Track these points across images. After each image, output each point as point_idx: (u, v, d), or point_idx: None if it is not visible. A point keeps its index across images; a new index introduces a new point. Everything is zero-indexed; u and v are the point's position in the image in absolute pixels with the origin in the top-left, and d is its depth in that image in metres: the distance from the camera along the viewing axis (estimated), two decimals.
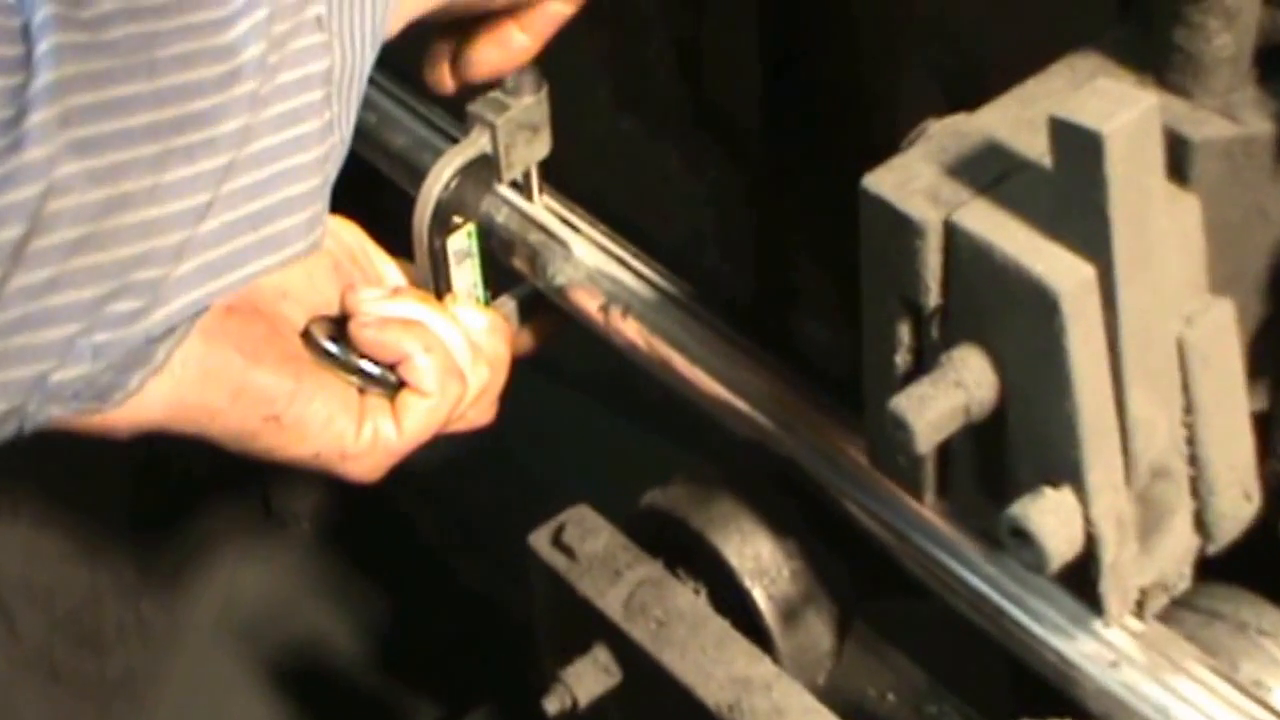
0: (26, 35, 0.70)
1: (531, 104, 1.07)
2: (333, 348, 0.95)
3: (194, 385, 0.83)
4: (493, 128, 1.07)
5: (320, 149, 0.77)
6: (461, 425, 1.01)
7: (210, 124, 0.73)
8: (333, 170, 0.78)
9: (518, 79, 1.06)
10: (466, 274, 1.09)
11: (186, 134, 0.73)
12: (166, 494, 1.61)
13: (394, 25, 0.83)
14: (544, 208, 1.12)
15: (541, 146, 1.09)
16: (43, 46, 0.70)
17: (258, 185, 0.76)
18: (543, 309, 1.12)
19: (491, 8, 0.94)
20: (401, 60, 1.01)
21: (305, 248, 0.79)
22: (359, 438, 0.95)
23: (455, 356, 0.99)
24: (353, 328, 0.96)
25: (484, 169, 1.09)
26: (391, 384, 0.97)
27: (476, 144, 1.08)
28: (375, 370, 0.96)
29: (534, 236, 1.11)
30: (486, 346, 1.02)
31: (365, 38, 0.78)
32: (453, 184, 1.07)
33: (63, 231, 0.71)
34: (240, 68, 0.73)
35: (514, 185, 1.12)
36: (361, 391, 0.96)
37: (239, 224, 0.76)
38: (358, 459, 0.95)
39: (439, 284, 1.08)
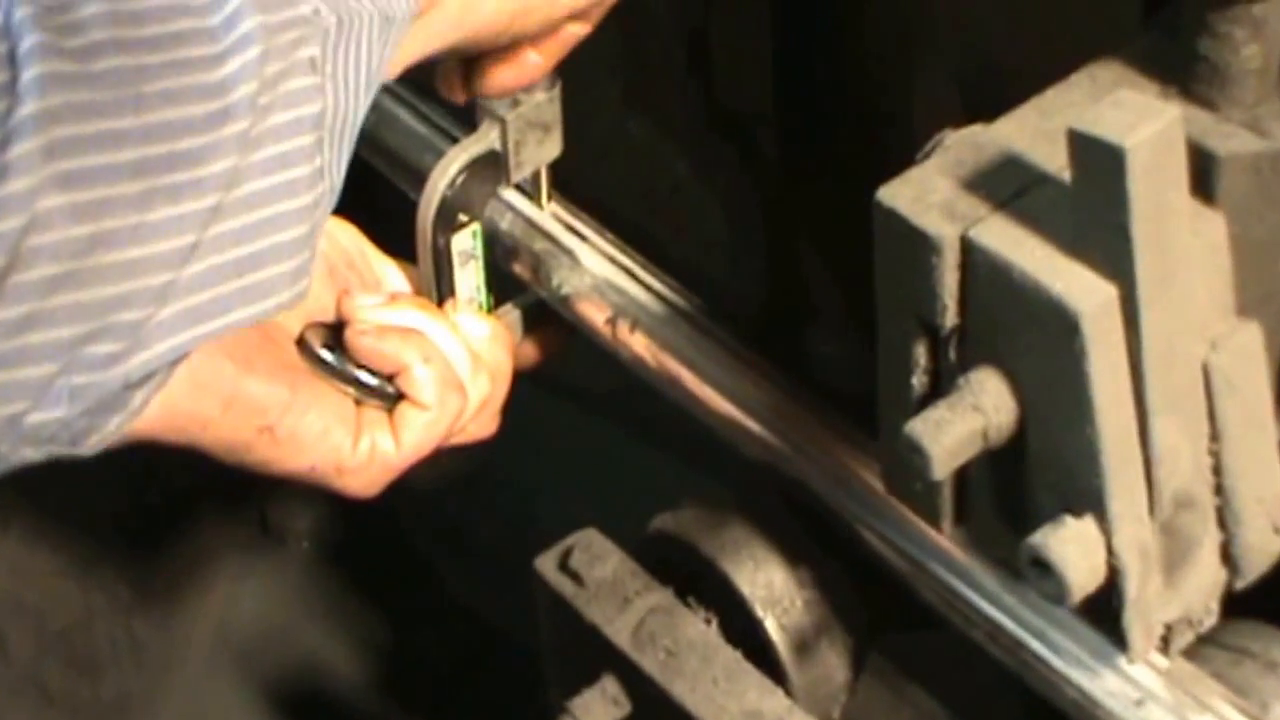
0: (12, 61, 0.71)
1: (544, 101, 1.07)
2: (329, 356, 0.96)
3: (184, 394, 0.84)
4: (503, 123, 1.07)
5: (310, 195, 0.77)
6: (463, 438, 1.02)
7: (198, 164, 0.74)
8: (322, 218, 0.78)
9: None
10: (470, 276, 1.10)
11: (174, 172, 0.74)
12: (161, 510, 1.62)
13: (392, 70, 0.83)
14: (550, 215, 1.12)
15: (553, 147, 1.10)
16: (28, 74, 0.71)
17: (245, 230, 0.76)
18: (547, 320, 1.13)
19: (498, 45, 0.95)
20: None
21: (290, 298, 0.79)
22: (356, 451, 0.96)
23: (455, 368, 0.99)
24: (349, 335, 0.97)
25: (492, 167, 1.09)
26: (389, 396, 0.97)
27: (485, 139, 1.08)
28: (372, 381, 0.97)
29: (539, 244, 1.11)
30: (488, 356, 1.03)
31: (360, 82, 0.78)
32: (459, 180, 1.08)
33: (42, 267, 0.72)
34: (230, 107, 0.74)
35: (520, 189, 1.12)
36: (358, 403, 0.97)
37: (224, 269, 0.76)
38: (355, 473, 0.96)
39: (441, 285, 1.08)
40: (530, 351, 1.13)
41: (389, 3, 0.78)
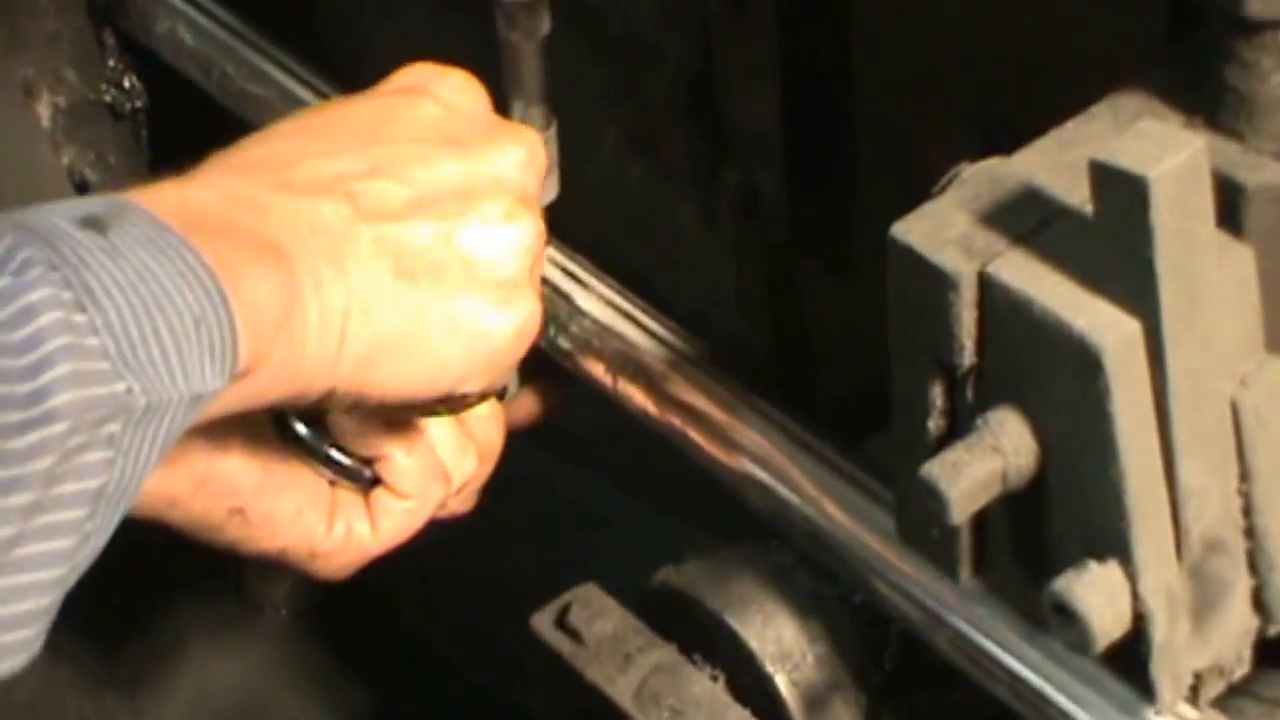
0: None
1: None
2: (305, 433, 0.96)
3: (155, 471, 0.83)
4: None
5: (64, 568, 0.75)
6: (441, 513, 1.03)
7: None
8: (73, 578, 0.77)
9: (525, 113, 1.07)
10: None
11: None
12: (132, 577, 1.62)
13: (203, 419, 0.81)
14: (547, 259, 1.14)
15: (550, 189, 1.11)
16: None
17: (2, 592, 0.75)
18: (545, 370, 1.14)
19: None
20: None
21: (12, 666, 0.76)
22: (330, 535, 0.97)
23: (441, 452, 0.99)
24: (331, 415, 0.96)
25: None
26: (366, 480, 0.97)
27: None
28: (348, 463, 0.97)
29: None
30: (480, 436, 1.02)
31: (153, 454, 0.77)
32: None
33: None
34: (21, 478, 0.73)
35: None
36: (332, 483, 0.98)
37: None
38: (327, 557, 0.97)
39: None
40: (529, 405, 1.14)
41: (203, 381, 0.78)
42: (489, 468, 1.03)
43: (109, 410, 0.74)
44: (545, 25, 1.05)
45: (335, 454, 0.97)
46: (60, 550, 0.74)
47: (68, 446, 0.73)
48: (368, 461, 0.97)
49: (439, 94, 0.94)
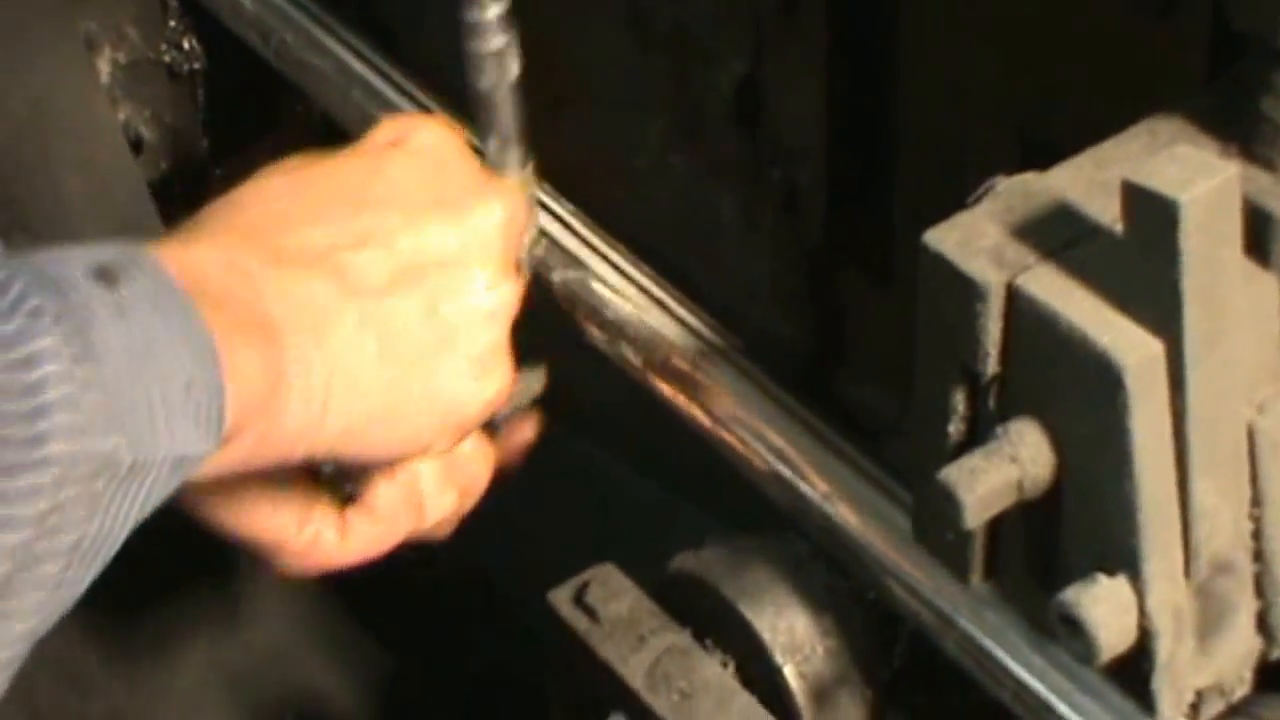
0: None
1: (514, 184, 1.02)
2: None
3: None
4: None
5: (38, 618, 0.77)
6: (412, 539, 1.04)
7: None
8: (43, 630, 0.78)
9: (500, 153, 1.02)
10: None
11: None
12: (158, 530, 1.63)
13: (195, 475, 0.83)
14: (582, 242, 1.14)
15: (529, 227, 1.05)
16: None
17: None
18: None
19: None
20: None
21: None
22: (299, 535, 0.98)
23: (423, 485, 1.00)
24: None
25: None
26: (344, 494, 0.99)
27: None
28: (331, 475, 0.98)
29: (572, 274, 1.13)
30: (464, 473, 1.03)
31: (131, 514, 0.78)
32: None
33: None
34: (13, 517, 0.74)
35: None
36: (312, 491, 0.98)
37: None
38: (293, 556, 0.99)
39: None
40: (517, 438, 1.11)
41: (186, 444, 0.79)
42: (470, 503, 1.04)
43: (96, 466, 0.75)
44: (515, 69, 1.00)
45: (322, 463, 0.98)
46: (33, 603, 0.76)
47: (59, 498, 0.74)
48: (350, 478, 0.99)
49: (420, 147, 0.96)
